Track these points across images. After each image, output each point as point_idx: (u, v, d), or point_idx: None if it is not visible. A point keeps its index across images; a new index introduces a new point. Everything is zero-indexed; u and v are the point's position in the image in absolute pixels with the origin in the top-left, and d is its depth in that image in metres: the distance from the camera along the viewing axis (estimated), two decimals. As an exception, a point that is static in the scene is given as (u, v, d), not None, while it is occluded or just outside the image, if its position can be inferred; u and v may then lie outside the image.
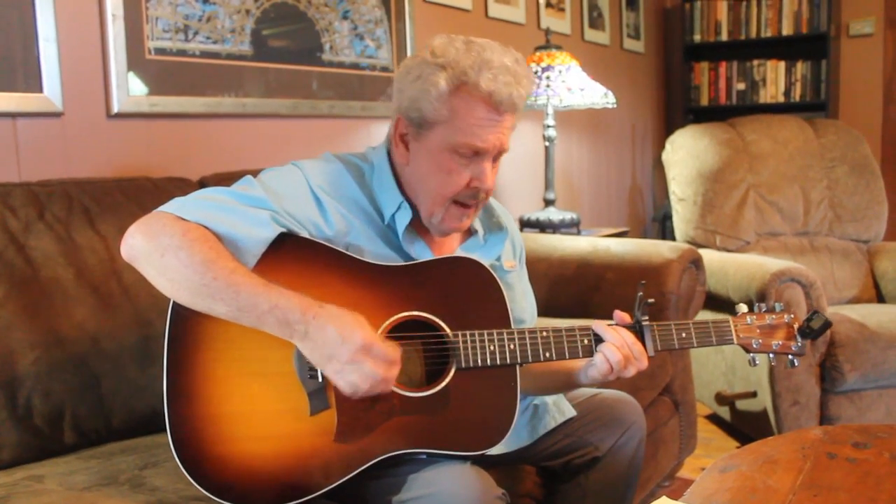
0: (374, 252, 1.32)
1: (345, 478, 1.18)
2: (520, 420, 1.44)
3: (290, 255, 1.24)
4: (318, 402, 1.19)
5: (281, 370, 1.19)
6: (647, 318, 1.35)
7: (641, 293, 1.35)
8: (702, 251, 2.40)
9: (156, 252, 1.16)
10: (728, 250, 3.08)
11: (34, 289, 1.45)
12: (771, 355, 1.42)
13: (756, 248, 3.13)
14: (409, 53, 2.68)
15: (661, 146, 3.43)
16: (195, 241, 1.15)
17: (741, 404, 2.75)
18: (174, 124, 2.00)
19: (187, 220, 1.18)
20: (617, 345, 1.31)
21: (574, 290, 2.32)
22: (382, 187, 1.36)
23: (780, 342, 1.41)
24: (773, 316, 1.42)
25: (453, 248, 1.43)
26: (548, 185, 3.11)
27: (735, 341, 1.40)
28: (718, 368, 2.86)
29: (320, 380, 1.19)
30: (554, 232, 2.98)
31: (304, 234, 1.27)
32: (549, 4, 3.58)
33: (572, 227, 3.06)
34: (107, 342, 1.50)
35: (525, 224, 3.08)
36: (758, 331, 1.42)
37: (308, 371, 1.19)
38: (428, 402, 1.23)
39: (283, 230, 1.24)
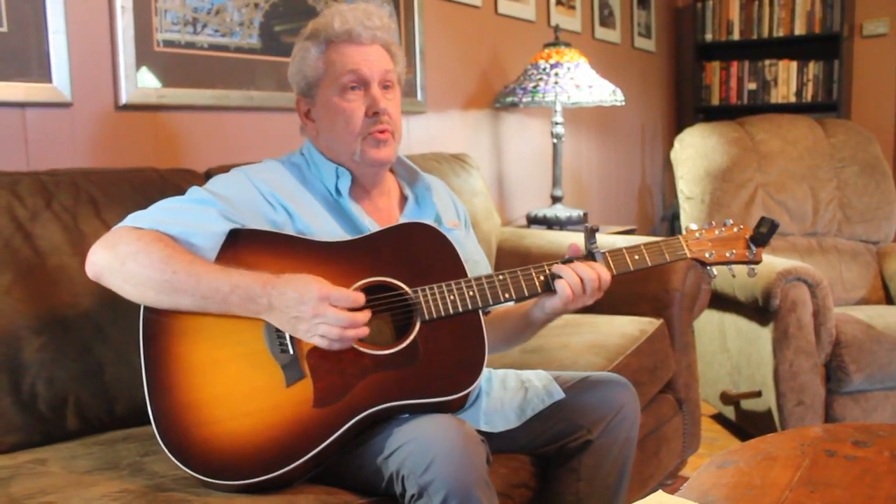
0: (324, 230, 1.38)
1: (329, 439, 1.21)
2: (509, 403, 1.47)
3: (245, 248, 1.29)
4: (293, 372, 1.23)
5: (253, 349, 1.24)
6: (596, 244, 1.41)
7: (587, 224, 1.39)
8: (708, 249, 2.39)
9: (116, 262, 1.23)
10: (735, 250, 3.06)
11: (40, 276, 1.46)
12: (729, 266, 1.46)
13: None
14: (417, 50, 2.69)
15: (672, 145, 3.42)
16: (151, 243, 1.22)
17: (746, 404, 2.74)
18: (182, 116, 2.01)
19: (142, 227, 1.25)
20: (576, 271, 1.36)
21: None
22: (318, 167, 1.46)
23: (735, 251, 1.45)
24: (723, 228, 1.47)
25: (393, 212, 1.50)
26: (555, 181, 3.11)
27: (688, 255, 1.44)
28: (724, 368, 2.85)
29: (291, 351, 1.24)
30: (561, 228, 2.98)
31: (255, 228, 1.32)
32: (559, 2, 3.57)
33: (579, 224, 3.06)
34: (111, 330, 1.51)
35: (532, 220, 3.08)
36: (709, 243, 1.45)
37: (279, 345, 1.24)
38: (399, 358, 1.27)
39: (235, 226, 1.29)
